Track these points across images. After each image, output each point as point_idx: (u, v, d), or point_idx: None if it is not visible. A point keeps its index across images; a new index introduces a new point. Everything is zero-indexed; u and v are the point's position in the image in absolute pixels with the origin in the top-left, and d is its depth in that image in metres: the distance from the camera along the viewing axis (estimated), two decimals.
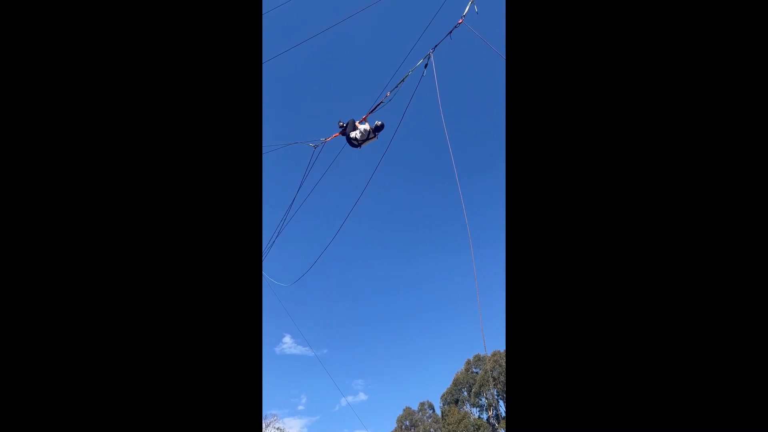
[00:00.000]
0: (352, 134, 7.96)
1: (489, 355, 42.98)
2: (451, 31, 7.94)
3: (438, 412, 43.87)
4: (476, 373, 43.69)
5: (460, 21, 7.65)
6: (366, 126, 7.96)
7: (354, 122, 8.13)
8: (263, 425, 38.92)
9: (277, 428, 41.48)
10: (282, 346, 62.94)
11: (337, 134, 8.29)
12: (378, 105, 8.20)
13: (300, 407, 62.27)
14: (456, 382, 43.79)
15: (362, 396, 60.97)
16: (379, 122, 7.95)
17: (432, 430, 42.35)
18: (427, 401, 45.27)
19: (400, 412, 44.86)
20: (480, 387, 42.10)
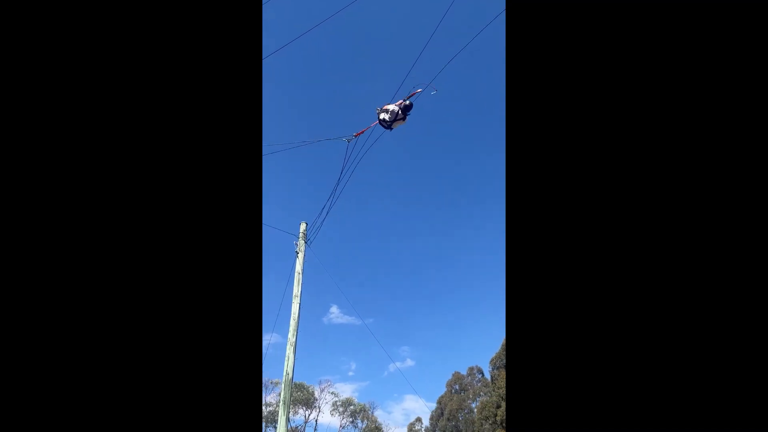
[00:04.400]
0: (381, 116, 8.03)
1: None
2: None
3: (488, 376, 43.97)
4: None
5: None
6: (394, 106, 7.89)
7: (384, 107, 8.11)
8: (318, 389, 40.98)
9: (332, 392, 43.84)
10: (330, 317, 65.13)
11: (372, 125, 8.35)
12: (414, 94, 7.95)
13: (350, 373, 65.16)
14: (505, 347, 43.29)
15: (409, 362, 62.51)
16: (408, 101, 7.81)
17: (482, 393, 42.67)
18: (477, 366, 45.45)
19: (449, 377, 45.48)
20: None
